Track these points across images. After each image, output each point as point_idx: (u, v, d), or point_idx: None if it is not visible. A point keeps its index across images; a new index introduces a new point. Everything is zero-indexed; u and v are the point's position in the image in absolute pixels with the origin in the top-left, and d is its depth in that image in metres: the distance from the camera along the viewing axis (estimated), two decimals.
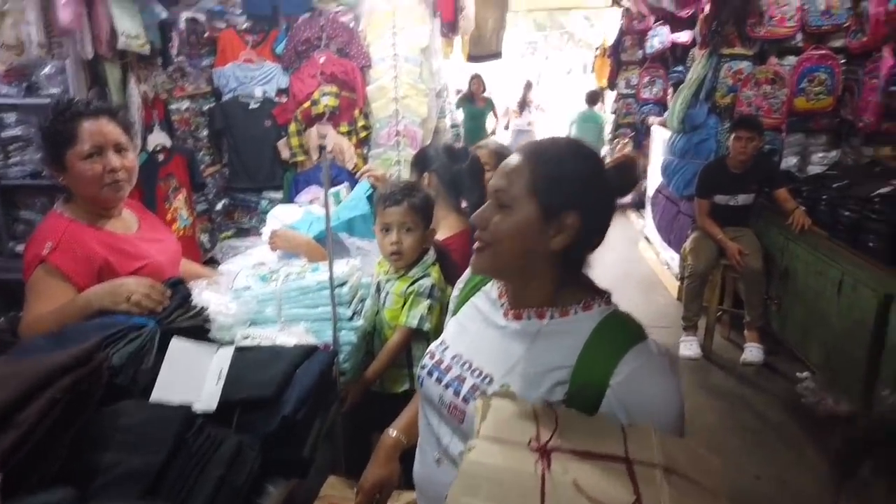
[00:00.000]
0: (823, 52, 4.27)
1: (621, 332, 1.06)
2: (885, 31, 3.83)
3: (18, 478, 0.98)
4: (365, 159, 3.96)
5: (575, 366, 1.03)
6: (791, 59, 4.43)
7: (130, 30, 2.92)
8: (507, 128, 9.38)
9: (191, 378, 1.34)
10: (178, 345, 1.38)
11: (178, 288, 1.64)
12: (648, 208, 5.92)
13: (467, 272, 1.32)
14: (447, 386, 1.14)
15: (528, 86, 9.23)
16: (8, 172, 2.92)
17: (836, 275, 3.37)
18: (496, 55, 4.31)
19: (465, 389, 1.11)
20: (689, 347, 4.11)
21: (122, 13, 2.88)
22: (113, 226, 1.83)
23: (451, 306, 1.35)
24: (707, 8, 4.66)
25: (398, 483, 1.42)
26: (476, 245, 1.10)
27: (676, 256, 4.87)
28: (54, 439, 1.06)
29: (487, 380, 1.09)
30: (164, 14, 3.22)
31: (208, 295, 1.73)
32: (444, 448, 1.15)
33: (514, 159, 1.10)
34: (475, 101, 7.90)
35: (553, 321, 1.09)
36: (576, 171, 1.07)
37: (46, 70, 2.85)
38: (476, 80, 7.88)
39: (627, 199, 7.02)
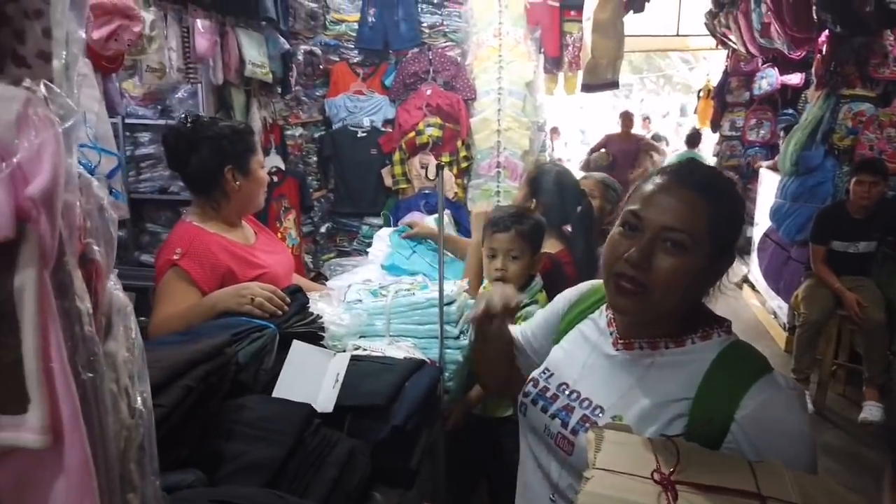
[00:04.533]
0: None
1: (745, 363, 1.00)
2: None
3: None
4: (465, 189, 4.01)
5: (695, 398, 0.98)
6: None
7: (256, 59, 3.12)
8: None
9: (310, 380, 1.37)
10: (299, 347, 1.42)
11: (297, 296, 1.70)
12: (754, 254, 5.64)
13: (569, 297, 1.28)
14: (553, 416, 1.10)
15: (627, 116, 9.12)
16: (139, 187, 3.15)
17: None
18: (613, 84, 4.27)
19: (573, 420, 1.06)
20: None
21: (250, 43, 3.09)
22: (235, 236, 1.93)
23: (553, 319, 1.29)
24: (825, 48, 4.48)
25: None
26: (626, 286, 1.00)
27: (784, 305, 4.60)
28: (187, 426, 1.11)
29: (598, 411, 1.05)
30: (286, 46, 3.43)
31: (322, 305, 1.79)
32: (555, 483, 1.10)
33: (685, 195, 0.99)
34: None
35: (668, 351, 1.04)
36: (741, 207, 1.04)
37: (179, 94, 3.08)
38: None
39: None
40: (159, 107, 3.13)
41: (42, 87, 0.56)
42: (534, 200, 2.28)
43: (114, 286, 0.67)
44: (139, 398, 0.67)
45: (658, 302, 0.99)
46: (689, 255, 0.97)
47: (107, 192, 0.64)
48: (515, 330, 1.36)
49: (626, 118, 7.73)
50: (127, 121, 3.11)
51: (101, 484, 0.57)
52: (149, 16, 2.27)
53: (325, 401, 1.34)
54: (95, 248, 0.61)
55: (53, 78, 0.59)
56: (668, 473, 0.82)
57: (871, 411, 3.67)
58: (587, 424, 1.03)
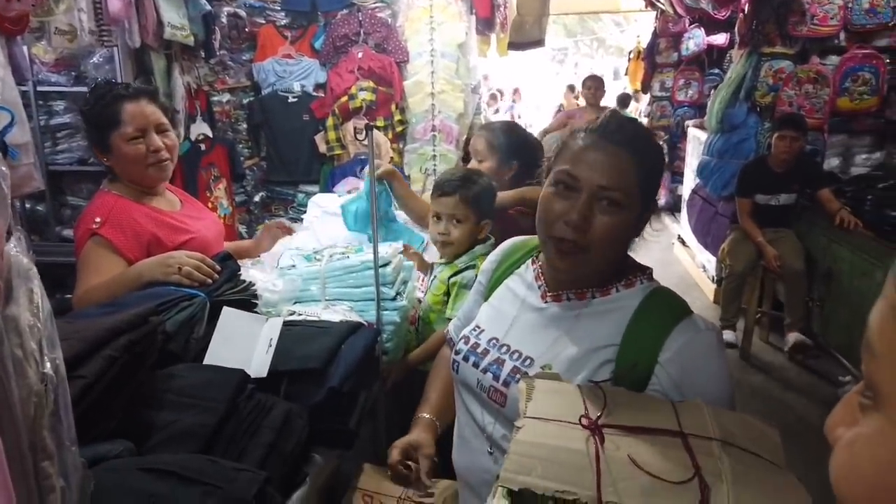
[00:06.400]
0: (868, 51, 4.18)
1: (667, 308, 1.05)
2: None
3: (79, 430, 1.00)
4: (401, 153, 3.97)
5: (621, 343, 1.01)
6: (834, 59, 4.36)
7: (175, 20, 2.97)
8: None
9: (241, 346, 1.35)
10: (229, 313, 1.40)
11: (227, 263, 1.66)
12: (683, 211, 5.84)
13: (493, 259, 1.29)
14: (485, 371, 1.12)
15: (572, 89, 9.22)
16: (56, 159, 2.99)
17: (882, 276, 3.26)
18: (538, 43, 4.26)
19: (504, 373, 1.09)
20: (727, 335, 4.05)
21: (168, 4, 2.94)
22: (158, 203, 1.86)
23: (480, 288, 1.31)
24: (747, 7, 4.60)
25: (434, 458, 1.35)
26: (567, 248, 1.01)
27: (713, 259, 4.79)
28: (112, 397, 1.08)
29: (528, 362, 1.07)
30: (207, 7, 3.28)
31: (255, 272, 1.75)
32: (489, 434, 1.13)
33: (615, 151, 1.01)
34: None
35: (595, 301, 1.07)
36: (663, 158, 1.08)
37: (94, 59, 2.91)
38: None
39: (661, 201, 6.93)
40: (73, 73, 2.96)
41: None
42: (514, 163, 2.25)
43: (14, 249, 0.64)
44: (48, 364, 0.64)
45: (597, 260, 1.02)
46: (624, 212, 1.01)
47: None
48: (453, 323, 1.39)
49: (596, 86, 6.09)
50: (39, 88, 2.92)
51: (8, 450, 0.55)
52: None
53: (258, 366, 1.33)
54: None
55: None
56: (595, 418, 0.85)
57: (794, 336, 3.89)
58: (518, 376, 1.05)
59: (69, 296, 1.83)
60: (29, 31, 2.42)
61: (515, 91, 12.10)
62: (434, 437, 1.36)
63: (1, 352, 0.56)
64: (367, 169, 2.24)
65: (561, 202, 1.03)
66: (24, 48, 2.79)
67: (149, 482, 0.92)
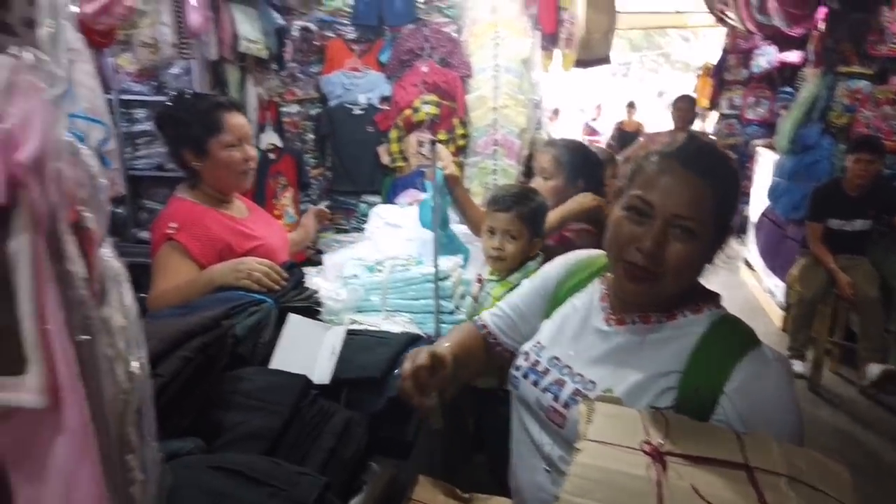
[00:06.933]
0: None
1: (735, 336, 1.02)
2: None
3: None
4: (461, 167, 4.00)
5: (685, 371, 1.00)
6: None
7: (250, 34, 3.10)
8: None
9: (306, 352, 1.39)
10: (295, 320, 1.44)
11: (294, 271, 1.71)
12: (751, 233, 5.66)
13: (560, 270, 1.28)
14: (545, 390, 1.11)
15: (632, 106, 9.07)
16: (135, 164, 3.14)
17: None
18: (605, 60, 4.25)
19: (565, 394, 1.08)
20: (795, 366, 3.86)
21: (244, 18, 3.06)
22: (229, 210, 1.94)
23: (542, 292, 1.28)
24: (822, 24, 4.45)
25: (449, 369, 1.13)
26: (638, 273, 1.01)
27: (780, 283, 4.62)
28: (185, 396, 1.12)
29: (589, 385, 1.06)
30: (280, 21, 3.40)
31: (319, 281, 1.80)
32: (546, 454, 1.12)
33: (692, 179, 0.99)
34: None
35: (660, 326, 1.06)
36: (739, 184, 1.05)
37: (174, 70, 3.06)
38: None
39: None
40: (154, 83, 3.11)
41: (29, 55, 0.56)
42: (580, 182, 2.23)
43: (107, 254, 0.68)
44: (135, 363, 0.68)
45: (669, 287, 1.01)
46: (698, 240, 0.99)
47: (97, 161, 0.64)
48: (490, 314, 1.35)
49: (686, 107, 5.34)
50: (122, 97, 3.09)
51: (100, 443, 0.58)
52: None
53: (321, 373, 1.36)
54: (87, 215, 0.62)
55: (40, 45, 0.59)
56: (657, 444, 0.84)
57: (877, 367, 3.63)
58: (578, 398, 1.04)
59: (144, 295, 1.92)
60: (116, 44, 2.57)
61: (597, 108, 11.92)
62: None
63: (95, 351, 0.60)
64: (427, 172, 2.27)
65: (633, 227, 1.01)
66: (110, 59, 2.97)
67: (217, 480, 0.96)
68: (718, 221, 1.00)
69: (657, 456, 0.82)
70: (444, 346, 1.19)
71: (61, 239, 0.57)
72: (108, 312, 0.65)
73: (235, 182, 1.89)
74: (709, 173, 0.99)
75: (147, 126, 3.10)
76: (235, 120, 1.85)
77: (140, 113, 3.13)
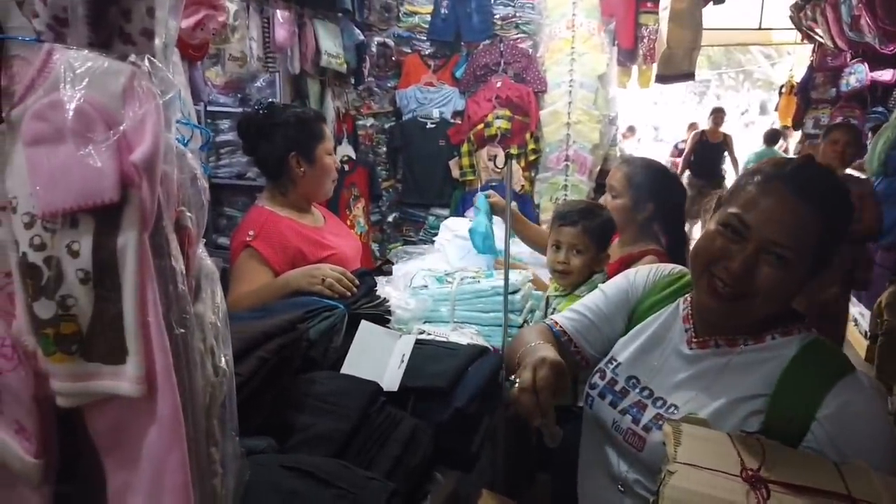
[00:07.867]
0: None
1: (828, 360, 0.98)
2: None
3: None
4: (532, 182, 3.99)
5: (773, 395, 0.96)
6: None
7: (332, 49, 3.20)
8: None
9: (376, 359, 1.41)
10: (366, 327, 1.46)
11: (365, 279, 1.74)
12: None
13: (640, 284, 1.24)
14: (624, 412, 1.08)
15: (694, 127, 8.79)
16: (218, 173, 3.29)
17: None
18: (689, 76, 4.16)
19: (646, 418, 1.05)
20: None
21: (327, 34, 3.17)
22: (305, 219, 2.00)
23: (623, 296, 1.24)
24: None
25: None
26: (723, 290, 0.97)
27: (866, 312, 4.36)
28: (261, 395, 1.16)
29: (672, 409, 1.03)
30: (361, 37, 3.50)
31: (389, 290, 1.83)
32: (621, 476, 1.09)
33: (799, 208, 0.93)
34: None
35: (746, 348, 1.02)
36: (851, 217, 0.99)
37: (258, 83, 3.19)
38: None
39: None
40: (239, 95, 3.26)
41: (146, 62, 0.60)
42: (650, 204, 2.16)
43: (203, 253, 0.71)
44: (223, 358, 0.71)
45: (756, 310, 0.97)
46: (793, 269, 0.94)
47: (199, 164, 0.68)
48: (565, 318, 1.27)
49: (847, 141, 3.66)
50: (209, 108, 3.25)
51: (188, 433, 0.61)
52: (232, 6, 2.36)
53: (390, 380, 1.37)
54: (188, 215, 0.65)
55: (155, 54, 0.63)
56: (756, 471, 0.81)
57: None
58: (661, 422, 1.01)
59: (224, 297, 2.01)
60: (207, 57, 2.71)
61: (630, 128, 11.64)
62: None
63: (190, 344, 0.63)
64: (479, 194, 2.30)
65: (724, 244, 0.97)
66: (201, 72, 3.13)
67: (289, 479, 0.98)
68: (819, 252, 0.95)
69: (758, 483, 0.79)
70: (552, 353, 1.04)
71: (165, 236, 0.60)
72: (201, 308, 0.68)
73: (327, 189, 2.00)
74: (818, 202, 0.93)
75: (230, 136, 3.24)
76: (328, 131, 1.98)
77: (224, 123, 3.28)
